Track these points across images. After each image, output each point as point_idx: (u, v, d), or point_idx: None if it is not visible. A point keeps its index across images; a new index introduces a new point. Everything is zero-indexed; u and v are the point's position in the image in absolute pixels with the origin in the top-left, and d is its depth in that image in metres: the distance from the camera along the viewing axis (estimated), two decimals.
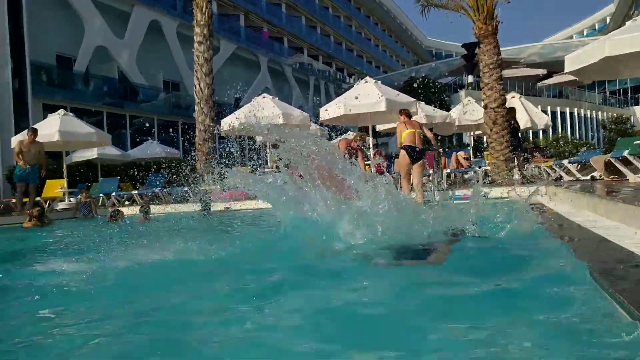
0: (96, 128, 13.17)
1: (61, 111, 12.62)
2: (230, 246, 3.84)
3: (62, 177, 12.49)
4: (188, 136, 22.26)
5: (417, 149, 7.67)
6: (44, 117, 15.06)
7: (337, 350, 1.54)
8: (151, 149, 18.02)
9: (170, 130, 26.57)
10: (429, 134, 8.41)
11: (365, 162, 10.04)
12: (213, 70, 13.30)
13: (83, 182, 13.83)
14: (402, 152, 7.69)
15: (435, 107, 16.32)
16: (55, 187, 12.67)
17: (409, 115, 8.05)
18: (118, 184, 13.36)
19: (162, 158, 18.25)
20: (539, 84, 37.28)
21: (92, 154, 15.70)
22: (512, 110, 11.11)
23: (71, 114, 12.85)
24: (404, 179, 7.84)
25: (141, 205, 9.45)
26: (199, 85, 12.92)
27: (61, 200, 11.72)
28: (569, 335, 1.52)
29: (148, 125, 24.73)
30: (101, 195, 13.04)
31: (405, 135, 7.70)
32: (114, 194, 12.82)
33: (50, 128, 11.64)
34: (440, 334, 1.63)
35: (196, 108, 13.08)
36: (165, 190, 12.68)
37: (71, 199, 12.07)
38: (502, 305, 1.94)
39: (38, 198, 11.79)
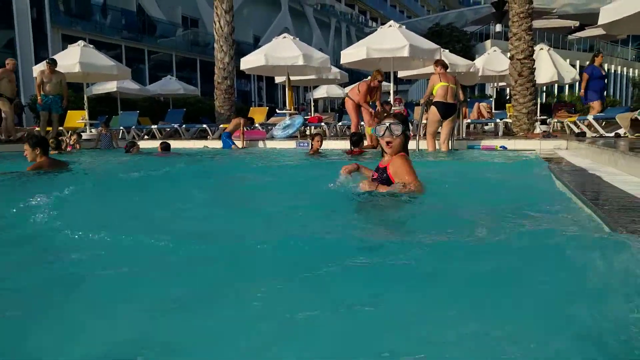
0: (116, 61, 13.13)
1: (81, 42, 12.55)
2: None
3: (83, 109, 12.63)
4: (206, 74, 22.10)
5: (450, 105, 7.46)
6: (63, 47, 15.02)
7: None
8: (170, 85, 17.99)
9: (189, 67, 26.35)
10: (461, 92, 8.19)
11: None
12: (233, 8, 12.98)
13: (103, 115, 13.99)
14: (433, 109, 7.44)
15: (459, 55, 15.85)
16: (77, 118, 12.85)
17: (445, 66, 7.79)
18: (137, 118, 13.48)
19: (181, 94, 18.27)
20: (570, 37, 35.75)
21: (111, 87, 15.75)
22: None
23: (91, 45, 12.76)
24: (430, 135, 7.67)
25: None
26: (219, 22, 12.67)
27: (82, 131, 11.91)
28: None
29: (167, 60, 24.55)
30: (121, 128, 13.21)
31: (438, 88, 7.43)
32: (133, 127, 12.97)
33: (71, 59, 11.63)
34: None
35: (215, 46, 12.90)
36: (184, 126, 12.78)
37: (92, 130, 12.26)
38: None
39: (61, 127, 12.01)
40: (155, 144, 9.95)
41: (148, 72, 23.65)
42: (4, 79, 9.91)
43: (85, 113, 12.51)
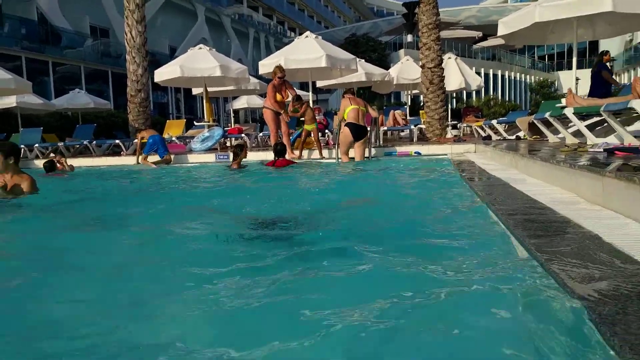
0: (13, 74, 12.11)
1: None
2: None
3: None
4: (120, 86, 21.07)
5: (361, 127, 7.66)
6: None
7: None
8: (78, 98, 16.89)
9: (100, 79, 24.96)
10: (374, 113, 8.44)
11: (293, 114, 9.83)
12: (145, 17, 12.49)
13: (1, 133, 12.82)
14: (346, 130, 7.63)
15: (375, 65, 16.40)
16: None
17: (353, 93, 8.08)
18: (41, 135, 12.50)
19: (91, 109, 17.23)
20: (474, 46, 38.37)
21: (10, 102, 14.47)
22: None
23: None
24: (343, 153, 7.83)
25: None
26: (130, 32, 12.12)
27: None
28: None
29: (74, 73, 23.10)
30: (22, 146, 12.18)
31: (349, 111, 7.64)
32: (37, 145, 12.02)
33: None
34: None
35: (127, 57, 12.32)
36: (94, 142, 12.05)
37: None
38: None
39: None
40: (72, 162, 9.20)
41: (53, 85, 22.07)
42: None
43: None
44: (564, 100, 6.80)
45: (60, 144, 12.16)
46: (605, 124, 5.88)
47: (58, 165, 8.56)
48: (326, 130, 10.93)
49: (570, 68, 39.04)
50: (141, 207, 4.22)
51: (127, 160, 10.10)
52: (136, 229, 3.15)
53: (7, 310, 1.69)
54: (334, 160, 8.03)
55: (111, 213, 3.92)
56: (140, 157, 9.41)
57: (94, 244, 2.72)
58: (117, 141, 11.86)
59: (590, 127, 6.16)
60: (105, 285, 1.92)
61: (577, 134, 6.31)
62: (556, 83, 40.26)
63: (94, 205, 4.64)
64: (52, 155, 9.38)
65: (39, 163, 10.49)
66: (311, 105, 11.53)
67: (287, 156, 7.85)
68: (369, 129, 7.97)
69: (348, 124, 7.60)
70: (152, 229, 3.09)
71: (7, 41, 20.20)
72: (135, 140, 11.04)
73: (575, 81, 8.93)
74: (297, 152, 8.81)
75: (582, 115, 5.91)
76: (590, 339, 1.11)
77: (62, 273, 2.09)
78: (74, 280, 2.00)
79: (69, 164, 8.87)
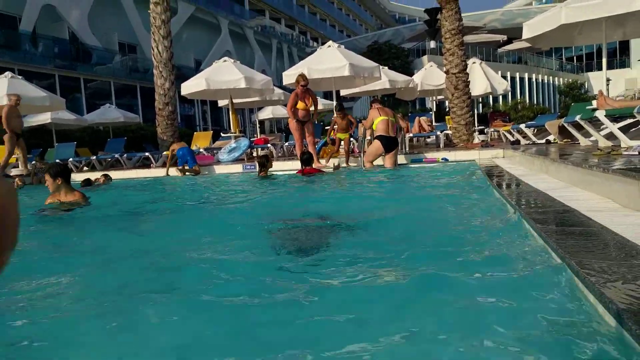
0: (48, 92, 12.56)
1: (8, 73, 11.94)
2: None
3: None
4: (148, 100, 21.59)
5: (392, 139, 7.68)
6: None
7: None
8: (109, 113, 17.39)
9: (129, 94, 25.65)
10: (402, 123, 8.50)
11: (329, 131, 9.98)
12: (171, 33, 12.81)
13: (37, 148, 13.28)
14: (377, 143, 7.70)
15: (398, 72, 16.36)
16: (2, 154, 12.11)
17: (381, 103, 8.13)
18: (75, 150, 12.90)
19: (121, 122, 17.70)
20: (499, 50, 37.87)
21: (45, 118, 15.01)
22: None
23: (19, 76, 12.16)
24: (369, 161, 7.86)
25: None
26: (157, 48, 12.44)
27: (14, 167, 11.24)
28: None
29: (104, 89, 23.80)
30: (57, 160, 12.59)
31: (378, 122, 7.68)
32: (70, 159, 12.40)
33: None
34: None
35: (155, 72, 12.63)
36: (125, 155, 12.36)
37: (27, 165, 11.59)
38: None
39: None
40: (96, 174, 9.50)
41: (85, 101, 22.80)
42: (13, 114, 9.63)
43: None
44: (594, 102, 6.64)
45: (93, 157, 12.52)
46: None
47: (97, 180, 8.84)
48: (351, 139, 10.93)
49: (600, 69, 38.08)
50: (173, 216, 4.37)
51: (157, 172, 10.32)
52: (172, 235, 3.24)
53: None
54: (358, 168, 8.04)
55: (152, 219, 4.10)
56: (171, 169, 9.66)
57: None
58: (146, 154, 12.14)
59: (624, 129, 5.99)
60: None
61: (610, 136, 6.14)
62: (586, 84, 39.31)
63: (132, 215, 4.78)
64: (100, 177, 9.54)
65: (74, 176, 10.82)
66: (335, 113, 11.59)
67: (313, 165, 7.88)
68: (399, 139, 8.00)
69: (379, 137, 7.63)
70: (184, 234, 3.16)
71: (41, 60, 21.00)
72: (165, 153, 11.31)
73: (606, 82, 8.72)
74: (322, 162, 8.84)
75: (614, 117, 5.76)
76: (633, 349, 1.08)
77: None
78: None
79: (105, 175, 9.11)
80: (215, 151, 11.84)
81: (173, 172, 9.68)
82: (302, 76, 8.52)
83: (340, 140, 8.97)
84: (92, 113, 18.14)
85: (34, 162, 10.57)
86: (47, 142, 14.65)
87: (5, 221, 0.30)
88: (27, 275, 2.26)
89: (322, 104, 16.17)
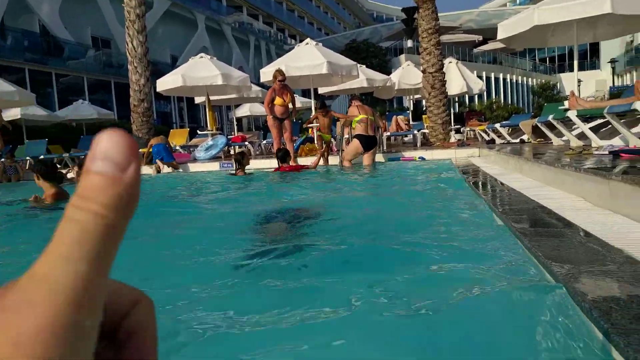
0: (17, 86, 12.19)
1: None
2: None
3: None
4: (123, 96, 21.18)
5: (370, 138, 7.69)
6: None
7: None
8: (82, 109, 17.00)
9: (103, 90, 25.11)
10: (380, 123, 8.50)
11: (308, 126, 10.00)
12: (146, 28, 12.58)
13: (6, 145, 12.87)
14: (356, 142, 7.70)
15: (376, 70, 16.44)
16: None
17: (361, 100, 8.12)
18: (46, 147, 12.57)
19: (95, 119, 17.33)
20: (475, 50, 38.45)
21: (15, 114, 14.59)
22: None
23: None
24: (347, 161, 7.85)
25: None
26: (132, 43, 12.21)
27: None
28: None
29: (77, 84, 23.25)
30: (28, 158, 12.25)
31: (357, 121, 7.68)
32: (42, 156, 12.06)
33: None
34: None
35: (129, 67, 12.40)
36: None
37: None
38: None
39: None
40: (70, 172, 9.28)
41: (57, 97, 22.22)
42: None
43: None
44: (566, 103, 6.79)
45: (66, 155, 12.22)
46: (610, 126, 5.87)
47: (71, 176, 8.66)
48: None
49: (571, 70, 39.06)
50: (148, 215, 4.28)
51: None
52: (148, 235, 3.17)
53: None
54: (335, 166, 8.05)
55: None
56: (145, 167, 9.50)
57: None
58: None
59: (595, 129, 6.15)
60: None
61: (582, 136, 6.30)
62: (558, 85, 40.25)
63: None
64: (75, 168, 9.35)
65: None
66: (313, 111, 11.58)
67: (291, 162, 7.85)
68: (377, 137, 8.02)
69: (358, 136, 7.63)
70: (160, 232, 3.11)
71: (10, 53, 20.36)
72: (141, 150, 11.10)
73: (577, 83, 8.92)
74: (300, 160, 8.79)
75: (585, 117, 5.91)
76: (603, 349, 1.10)
77: None
78: None
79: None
80: (191, 149, 11.69)
81: (145, 169, 9.51)
82: (279, 71, 8.44)
83: (323, 140, 8.91)
84: (64, 109, 17.70)
85: (2, 159, 10.25)
86: (17, 139, 14.22)
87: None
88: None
89: (300, 102, 16.13)
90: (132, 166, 0.21)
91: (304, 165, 7.78)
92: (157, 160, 9.36)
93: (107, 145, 0.21)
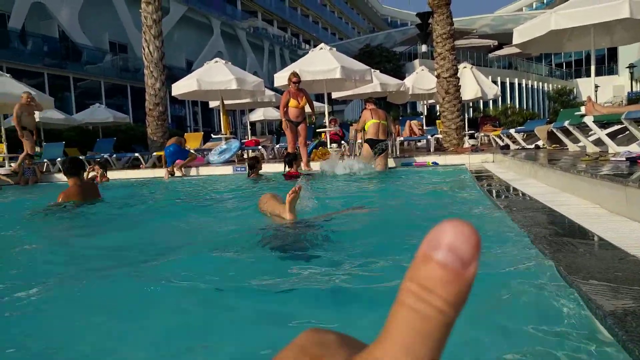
0: (37, 90, 12.43)
1: None
2: None
3: (1, 142, 11.80)
4: (138, 100, 21.45)
5: (380, 142, 7.68)
6: None
7: None
8: (99, 113, 17.25)
9: (119, 94, 25.47)
10: (393, 128, 8.44)
11: (320, 130, 10.01)
12: (163, 33, 12.74)
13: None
14: (366, 146, 7.70)
15: (390, 75, 16.43)
16: None
17: (375, 103, 8.03)
18: (63, 149, 12.77)
19: (111, 122, 17.57)
20: (490, 55, 38.19)
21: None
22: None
23: (7, 74, 12.03)
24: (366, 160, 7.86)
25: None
26: (148, 48, 12.37)
27: (1, 166, 11.11)
28: None
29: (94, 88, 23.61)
30: (45, 160, 12.47)
31: (369, 125, 7.67)
32: (59, 159, 12.26)
33: None
34: None
35: (145, 72, 12.55)
36: (114, 155, 12.26)
37: (12, 164, 11.46)
38: None
39: None
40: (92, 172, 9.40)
41: (75, 101, 22.60)
42: (23, 112, 10.01)
43: (4, 146, 11.69)
44: (583, 108, 6.71)
45: (82, 157, 12.39)
46: (627, 132, 5.78)
47: (98, 177, 8.84)
48: (342, 142, 10.95)
49: (588, 75, 38.59)
50: (165, 216, 4.35)
51: (145, 174, 10.26)
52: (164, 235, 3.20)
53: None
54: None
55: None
56: (160, 170, 9.65)
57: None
58: (136, 154, 12.05)
59: (612, 136, 6.06)
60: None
61: (598, 142, 6.21)
62: (575, 91, 39.73)
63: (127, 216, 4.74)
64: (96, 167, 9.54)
65: (61, 176, 10.73)
66: (327, 116, 11.61)
67: (303, 167, 7.84)
68: (389, 142, 7.97)
69: (368, 140, 7.63)
70: (170, 232, 3.13)
71: (30, 58, 20.78)
72: (155, 153, 11.25)
73: (594, 88, 8.81)
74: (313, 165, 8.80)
75: (602, 123, 5.82)
76: (618, 357, 1.08)
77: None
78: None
79: (105, 175, 9.12)
80: (205, 152, 11.78)
81: (158, 173, 9.62)
82: (293, 74, 8.44)
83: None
84: (81, 112, 17.99)
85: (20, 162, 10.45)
86: (35, 142, 14.46)
87: None
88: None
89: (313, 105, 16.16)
90: (474, 263, 0.21)
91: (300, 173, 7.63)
92: (172, 163, 9.47)
93: (454, 237, 0.20)
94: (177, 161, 9.62)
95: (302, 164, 8.09)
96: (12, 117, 10.13)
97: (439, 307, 0.20)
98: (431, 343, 0.20)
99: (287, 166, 7.33)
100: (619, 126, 5.92)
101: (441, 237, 0.21)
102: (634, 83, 35.51)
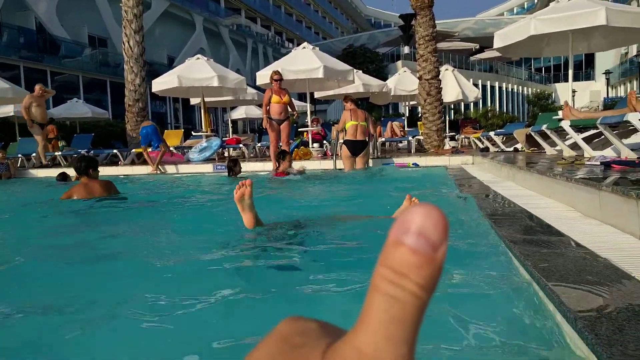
0: (11, 83, 12.12)
1: None
2: None
3: None
4: (118, 96, 21.10)
5: (358, 143, 7.66)
6: None
7: None
8: (77, 108, 16.91)
9: (98, 89, 25.01)
10: (372, 130, 8.29)
11: (302, 130, 9.98)
12: (144, 28, 12.54)
13: None
14: (344, 147, 7.68)
15: (372, 76, 16.49)
16: None
17: (355, 102, 7.94)
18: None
19: (89, 118, 17.25)
20: (471, 58, 38.65)
21: (7, 111, 14.50)
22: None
23: None
24: (347, 168, 7.82)
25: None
26: (128, 42, 12.17)
27: None
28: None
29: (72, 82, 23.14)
30: (20, 155, 12.18)
31: (348, 127, 7.64)
32: (34, 154, 11.99)
33: None
34: None
35: (125, 67, 12.35)
36: (92, 152, 12.03)
37: None
38: None
39: None
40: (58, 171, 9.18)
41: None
42: (32, 104, 10.17)
43: None
44: (560, 113, 6.82)
45: (58, 153, 12.14)
46: (602, 137, 5.89)
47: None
48: (324, 141, 10.95)
49: (566, 80, 39.29)
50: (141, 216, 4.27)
51: (123, 170, 10.09)
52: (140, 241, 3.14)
53: None
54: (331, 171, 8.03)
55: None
56: (144, 154, 9.62)
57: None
58: (114, 151, 11.85)
59: (587, 140, 6.17)
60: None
61: (575, 146, 6.32)
62: (553, 95, 40.50)
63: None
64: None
65: (35, 172, 10.50)
66: (309, 115, 11.59)
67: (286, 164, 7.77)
68: (367, 140, 7.93)
69: (345, 142, 7.61)
70: (152, 237, 3.08)
71: (5, 50, 20.26)
72: (133, 150, 11.09)
73: (572, 93, 8.97)
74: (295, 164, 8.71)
75: (579, 127, 5.93)
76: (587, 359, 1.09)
77: None
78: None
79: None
80: (185, 150, 11.66)
81: (143, 170, 9.51)
82: (275, 72, 8.28)
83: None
84: (58, 107, 17.60)
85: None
86: (10, 136, 14.13)
87: None
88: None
89: (295, 105, 16.12)
90: (443, 246, 0.21)
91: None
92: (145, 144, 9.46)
93: (424, 221, 0.21)
94: (152, 154, 9.56)
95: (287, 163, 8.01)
96: (21, 109, 10.21)
97: (412, 290, 0.21)
98: (407, 327, 0.20)
99: (280, 158, 7.12)
100: (595, 131, 6.03)
101: (410, 221, 0.21)
102: (609, 89, 36.36)
